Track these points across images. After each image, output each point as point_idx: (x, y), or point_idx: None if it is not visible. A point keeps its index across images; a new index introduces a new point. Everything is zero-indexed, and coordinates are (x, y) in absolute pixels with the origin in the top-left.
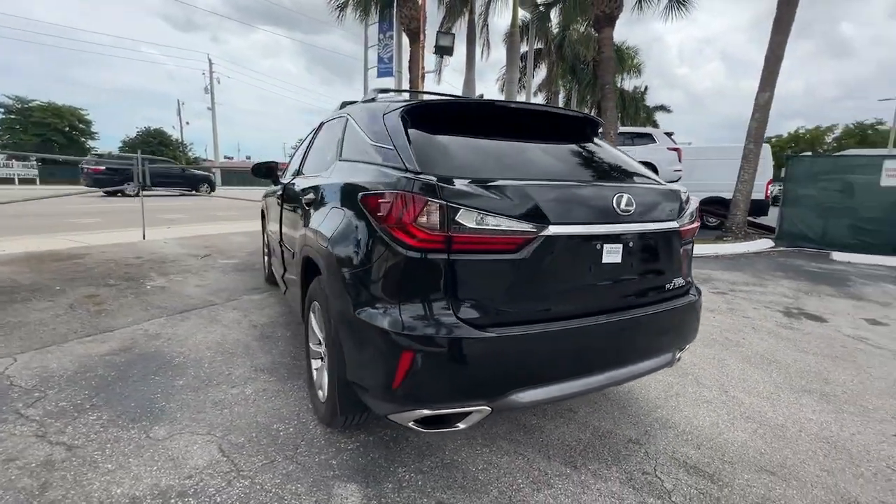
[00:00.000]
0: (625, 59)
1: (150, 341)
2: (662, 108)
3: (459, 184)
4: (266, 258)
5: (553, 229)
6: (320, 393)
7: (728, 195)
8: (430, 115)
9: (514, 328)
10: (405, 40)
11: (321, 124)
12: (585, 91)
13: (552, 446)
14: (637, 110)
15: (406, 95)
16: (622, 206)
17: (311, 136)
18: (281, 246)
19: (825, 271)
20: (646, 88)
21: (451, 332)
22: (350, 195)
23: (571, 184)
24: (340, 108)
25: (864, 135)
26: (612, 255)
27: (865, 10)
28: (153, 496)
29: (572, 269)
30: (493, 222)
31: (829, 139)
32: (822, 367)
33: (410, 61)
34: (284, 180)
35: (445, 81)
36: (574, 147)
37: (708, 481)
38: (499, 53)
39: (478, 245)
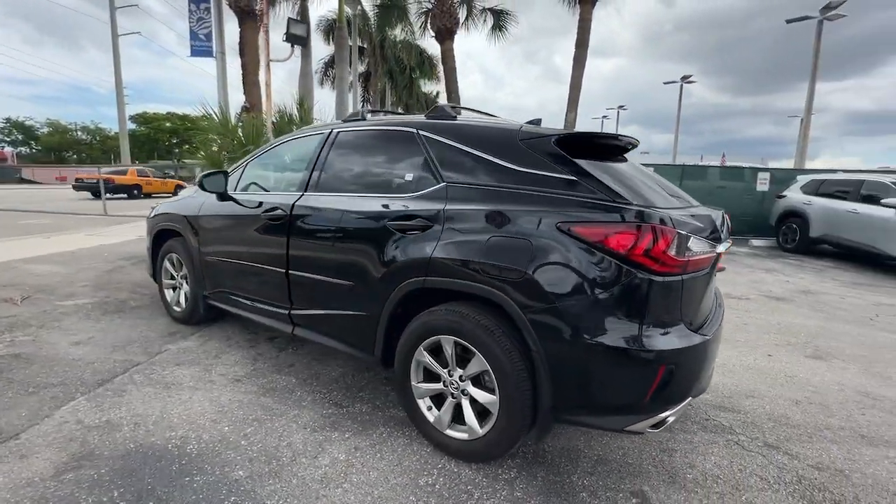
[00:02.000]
0: (426, 68)
1: (109, 435)
2: None
3: (679, 214)
4: (178, 291)
5: (720, 248)
6: (454, 434)
7: None
8: (576, 145)
9: (703, 329)
10: (230, 19)
11: (333, 133)
12: (403, 93)
13: None
14: None
15: (467, 113)
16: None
17: (319, 146)
18: (288, 277)
19: None
20: (437, 94)
21: (690, 341)
22: (541, 224)
23: (714, 209)
24: (362, 119)
25: None
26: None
27: (568, 47)
28: None
29: (709, 276)
30: (701, 246)
31: None
32: None
33: (243, 44)
34: (244, 196)
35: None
36: (645, 168)
37: (736, 413)
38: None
39: (695, 266)
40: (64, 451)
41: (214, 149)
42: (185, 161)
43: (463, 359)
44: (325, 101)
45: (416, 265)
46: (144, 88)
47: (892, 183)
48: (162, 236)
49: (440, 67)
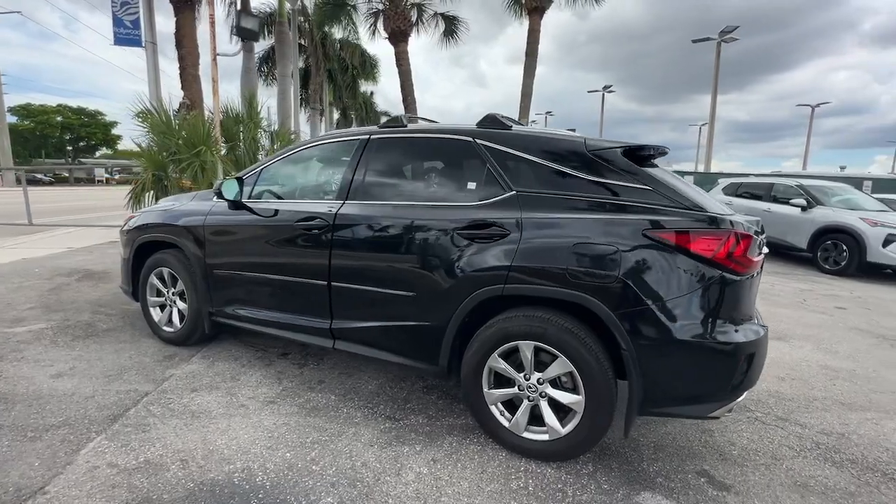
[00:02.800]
0: (368, 68)
1: (158, 477)
2: (387, 114)
3: (745, 219)
4: (168, 309)
5: (765, 249)
6: (534, 436)
7: None
8: (636, 156)
9: (761, 321)
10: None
11: (372, 139)
12: (345, 93)
13: None
14: (368, 114)
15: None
16: None
17: (357, 153)
18: (330, 289)
19: None
20: (372, 93)
21: (760, 333)
22: (627, 231)
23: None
24: (403, 126)
25: None
26: None
27: (493, 54)
28: None
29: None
30: (762, 248)
31: None
32: None
33: (181, 35)
34: (268, 205)
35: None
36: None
37: None
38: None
39: (758, 266)
40: (113, 501)
41: (155, 149)
42: (84, 160)
43: (538, 362)
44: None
45: (494, 273)
46: (23, 76)
47: (797, 185)
48: (146, 249)
49: (380, 69)
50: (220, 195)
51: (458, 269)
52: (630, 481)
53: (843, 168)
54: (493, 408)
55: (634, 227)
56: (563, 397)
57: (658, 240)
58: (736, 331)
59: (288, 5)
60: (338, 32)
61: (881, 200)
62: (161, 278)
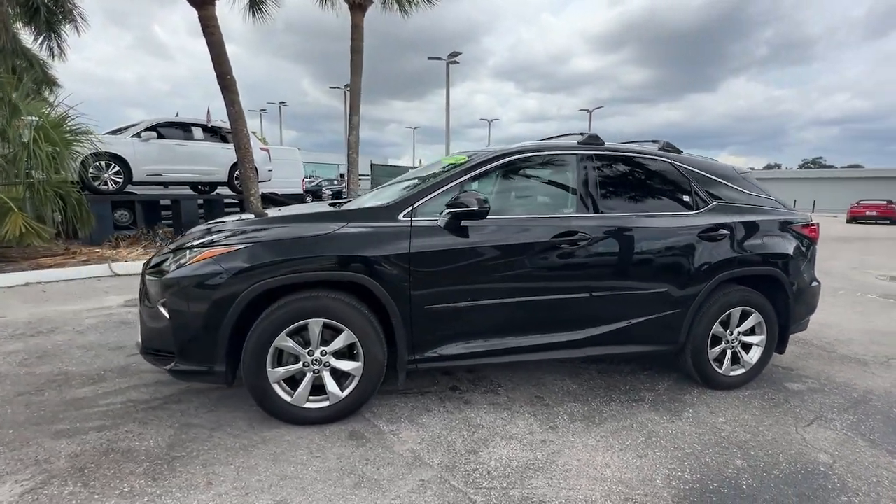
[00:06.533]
0: (65, 14)
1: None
2: (56, 83)
3: None
4: (312, 377)
5: None
6: (734, 372)
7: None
8: None
9: None
10: None
11: (586, 155)
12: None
13: None
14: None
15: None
16: None
17: (579, 169)
18: (591, 300)
19: None
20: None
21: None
22: (784, 226)
23: None
24: (602, 143)
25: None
26: None
27: (172, 20)
28: None
29: None
30: None
31: None
32: None
33: None
34: (510, 222)
35: None
36: None
37: None
38: None
39: None
40: None
41: None
42: None
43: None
44: None
45: (729, 262)
46: None
47: None
48: (265, 299)
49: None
50: (457, 217)
51: (703, 263)
52: (775, 381)
53: None
54: (714, 363)
55: (783, 223)
56: (754, 339)
57: (795, 231)
58: (816, 277)
59: None
60: None
61: None
62: (307, 335)
